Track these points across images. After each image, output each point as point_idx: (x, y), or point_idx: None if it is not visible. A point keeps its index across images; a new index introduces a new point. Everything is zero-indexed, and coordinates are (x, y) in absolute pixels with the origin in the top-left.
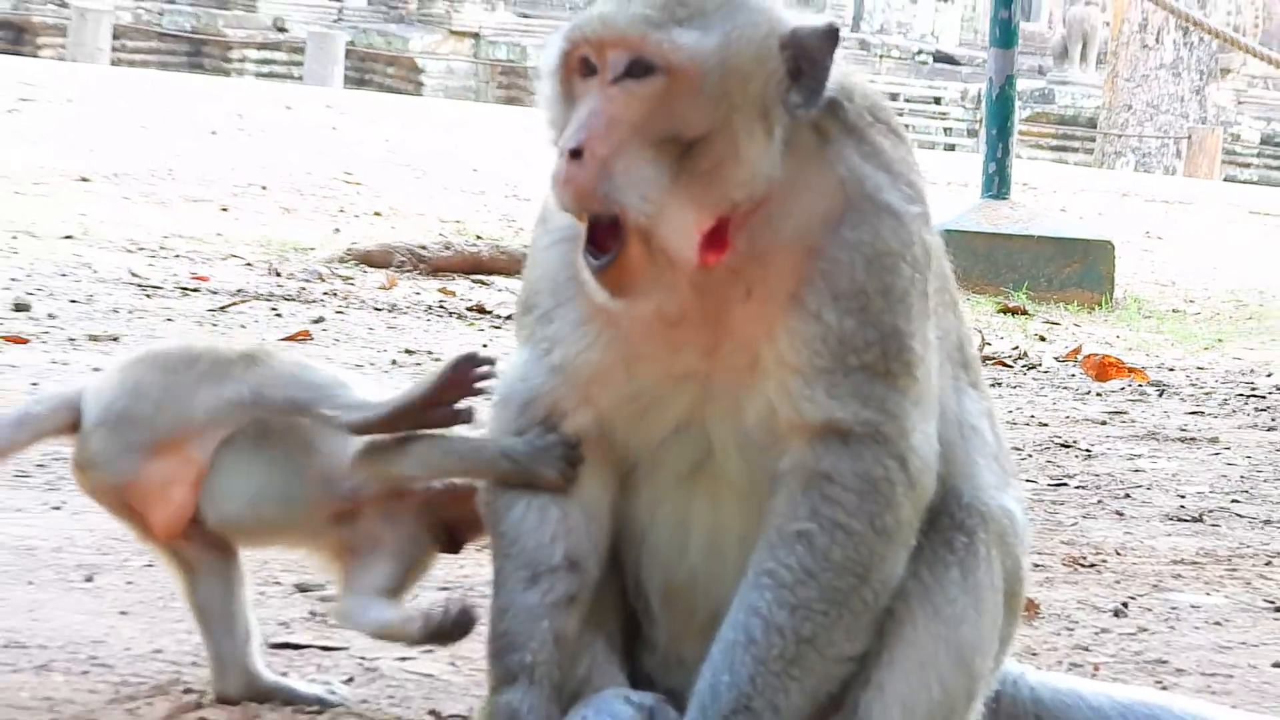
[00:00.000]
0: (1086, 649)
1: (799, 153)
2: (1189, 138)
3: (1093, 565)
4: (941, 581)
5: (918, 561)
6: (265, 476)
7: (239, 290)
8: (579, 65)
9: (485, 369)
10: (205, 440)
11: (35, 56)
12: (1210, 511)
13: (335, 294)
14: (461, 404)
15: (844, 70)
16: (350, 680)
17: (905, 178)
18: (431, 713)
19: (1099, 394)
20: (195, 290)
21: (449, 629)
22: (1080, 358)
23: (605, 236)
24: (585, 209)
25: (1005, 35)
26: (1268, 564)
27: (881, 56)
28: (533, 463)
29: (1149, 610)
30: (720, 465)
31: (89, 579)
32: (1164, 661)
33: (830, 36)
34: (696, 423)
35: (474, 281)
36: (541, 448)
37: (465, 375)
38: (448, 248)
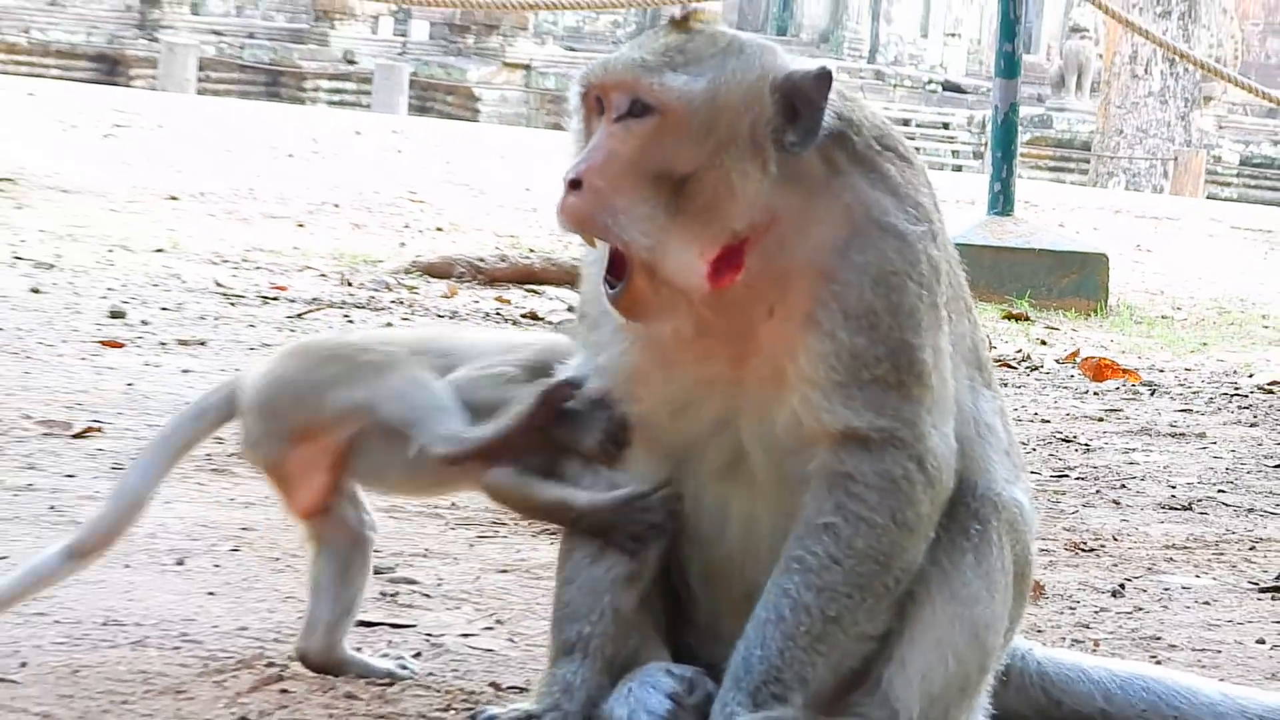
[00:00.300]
0: (1087, 626)
1: (810, 183)
2: (1175, 159)
3: (1092, 550)
4: (958, 566)
5: (936, 548)
6: (398, 457)
7: (314, 299)
8: (594, 105)
9: (573, 392)
10: (338, 432)
11: (128, 86)
12: (1199, 501)
13: (401, 302)
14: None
15: (852, 103)
16: (417, 655)
17: (911, 199)
18: (492, 684)
19: (1096, 393)
20: (274, 299)
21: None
22: (1078, 360)
23: (619, 264)
24: (581, 234)
25: (1009, 66)
26: (1251, 548)
27: (895, 86)
28: (576, 429)
29: (1144, 591)
30: (752, 463)
31: (180, 562)
32: (1158, 638)
33: (822, 80)
34: (730, 424)
35: (527, 291)
36: (586, 417)
37: (556, 400)
38: (503, 260)
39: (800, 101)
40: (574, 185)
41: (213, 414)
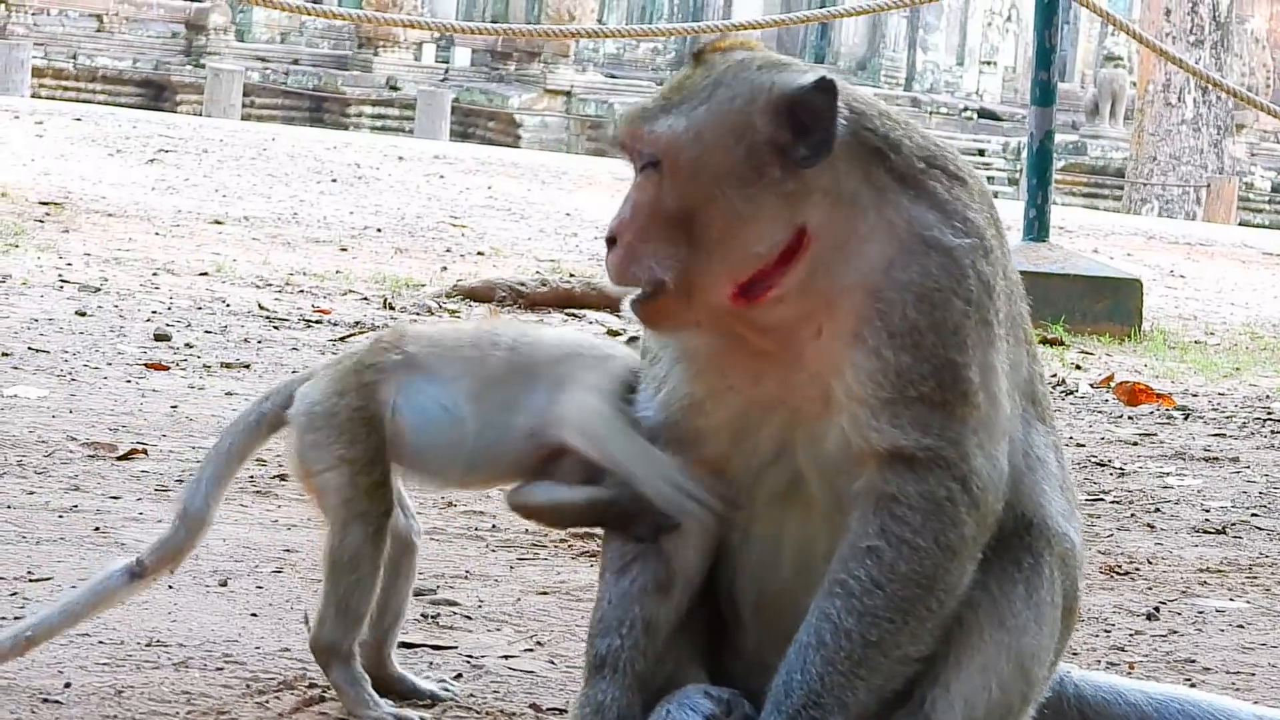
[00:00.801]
0: (1122, 649)
1: (853, 203)
2: (1208, 186)
3: (1127, 573)
4: (1008, 595)
5: (988, 576)
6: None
7: (357, 322)
8: (623, 154)
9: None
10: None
11: (174, 111)
12: (1233, 524)
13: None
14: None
15: (895, 123)
16: (459, 676)
17: (959, 215)
18: (532, 706)
19: (1130, 417)
20: (318, 322)
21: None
22: (1112, 385)
23: None
24: (624, 286)
25: (1044, 95)
26: None
27: (931, 113)
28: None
29: (1178, 614)
30: (808, 487)
31: (223, 584)
32: (1192, 661)
33: (821, 89)
34: (787, 449)
35: (567, 315)
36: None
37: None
38: (544, 284)
39: (805, 115)
40: (610, 242)
41: (269, 421)
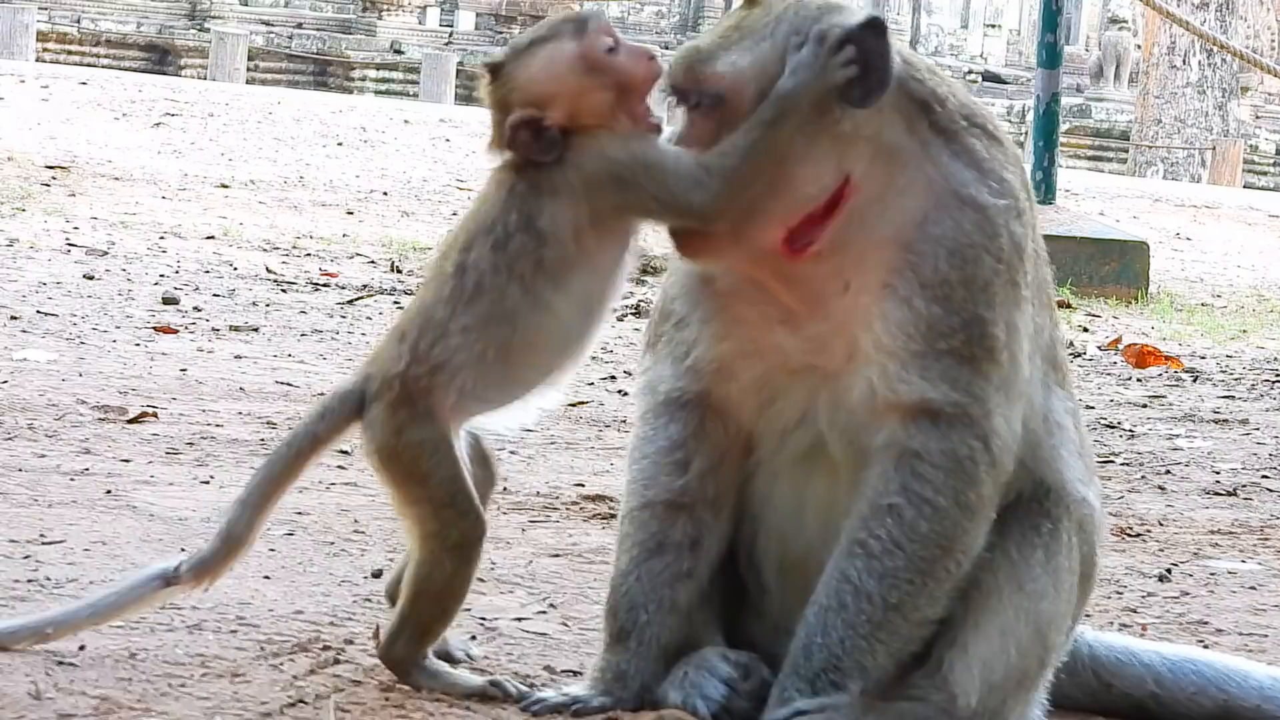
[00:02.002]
0: (1135, 611)
1: (894, 156)
2: (1213, 149)
3: (1138, 535)
4: (1027, 560)
5: (1007, 540)
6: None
7: (364, 285)
8: (673, 95)
9: None
10: None
11: (178, 76)
12: (1243, 486)
13: None
14: None
15: (938, 78)
16: (473, 638)
17: (995, 174)
18: (546, 668)
19: (1139, 380)
20: (325, 285)
21: None
22: (1121, 347)
23: None
24: None
25: (1050, 57)
26: None
27: None
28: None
29: (1190, 576)
30: (831, 447)
31: None
32: (1205, 622)
33: (872, 28)
34: (811, 411)
35: None
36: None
37: None
38: None
39: (863, 54)
40: None
41: (319, 441)
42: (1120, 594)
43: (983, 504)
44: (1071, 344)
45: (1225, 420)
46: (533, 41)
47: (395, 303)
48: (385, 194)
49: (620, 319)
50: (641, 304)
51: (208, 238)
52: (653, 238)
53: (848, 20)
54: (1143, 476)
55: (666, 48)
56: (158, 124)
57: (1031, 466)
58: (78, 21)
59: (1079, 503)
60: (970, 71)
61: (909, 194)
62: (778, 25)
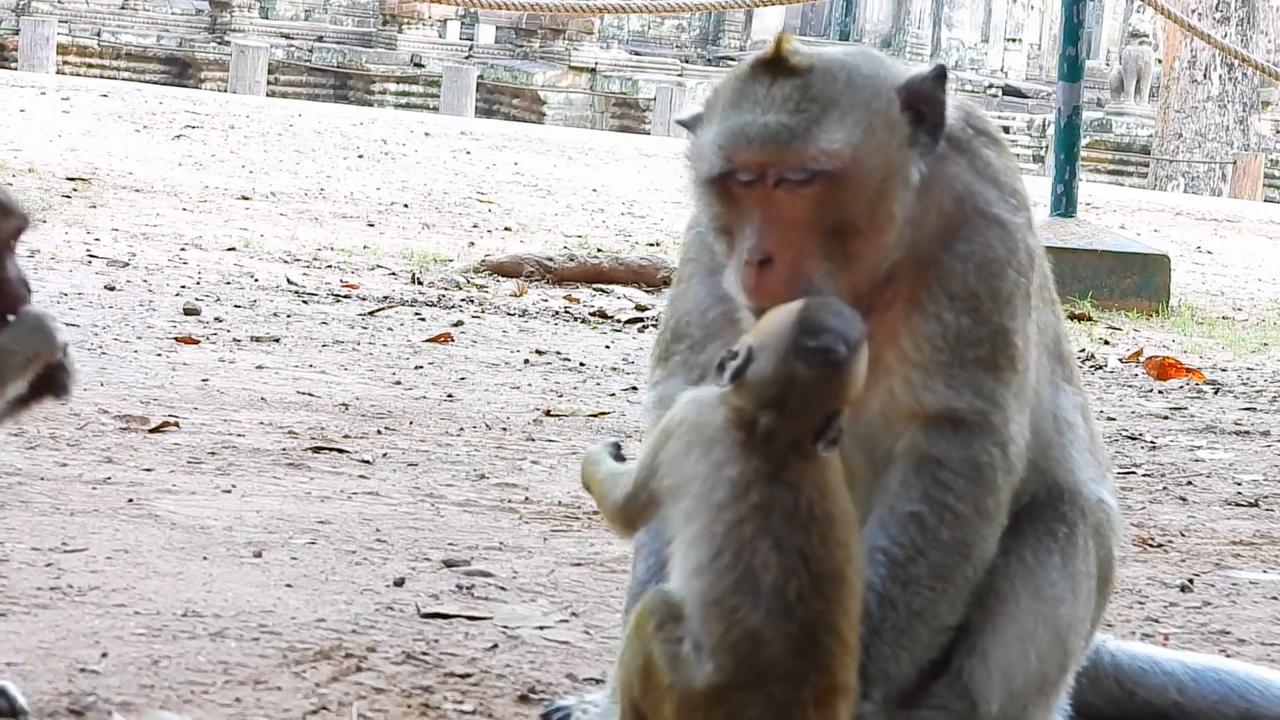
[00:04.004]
0: (1157, 621)
1: (921, 180)
2: (1234, 163)
3: (1160, 545)
4: (1044, 566)
5: (1023, 545)
6: None
7: (385, 297)
8: (734, 176)
9: None
10: None
11: (198, 88)
12: (1265, 497)
13: (472, 301)
14: None
15: (950, 96)
16: (495, 647)
17: (1010, 188)
18: (569, 676)
19: (1160, 392)
20: (346, 297)
21: None
22: (1142, 359)
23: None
24: (774, 306)
25: (1072, 71)
26: None
27: (956, 90)
28: None
29: (1212, 586)
30: (848, 457)
31: (257, 555)
32: (1227, 632)
33: (941, 79)
34: None
35: (595, 290)
36: None
37: None
38: (571, 259)
39: (924, 105)
40: (764, 264)
41: None
42: (1142, 604)
43: (999, 510)
44: (1093, 356)
45: (1247, 432)
46: None
47: (417, 314)
48: (406, 206)
49: (641, 330)
50: (604, 310)
51: (229, 249)
52: (672, 251)
53: (911, 72)
54: (1164, 488)
55: (687, 61)
56: (178, 136)
57: (1044, 468)
58: (98, 34)
59: (1095, 505)
60: (991, 86)
61: (936, 210)
62: (853, 90)
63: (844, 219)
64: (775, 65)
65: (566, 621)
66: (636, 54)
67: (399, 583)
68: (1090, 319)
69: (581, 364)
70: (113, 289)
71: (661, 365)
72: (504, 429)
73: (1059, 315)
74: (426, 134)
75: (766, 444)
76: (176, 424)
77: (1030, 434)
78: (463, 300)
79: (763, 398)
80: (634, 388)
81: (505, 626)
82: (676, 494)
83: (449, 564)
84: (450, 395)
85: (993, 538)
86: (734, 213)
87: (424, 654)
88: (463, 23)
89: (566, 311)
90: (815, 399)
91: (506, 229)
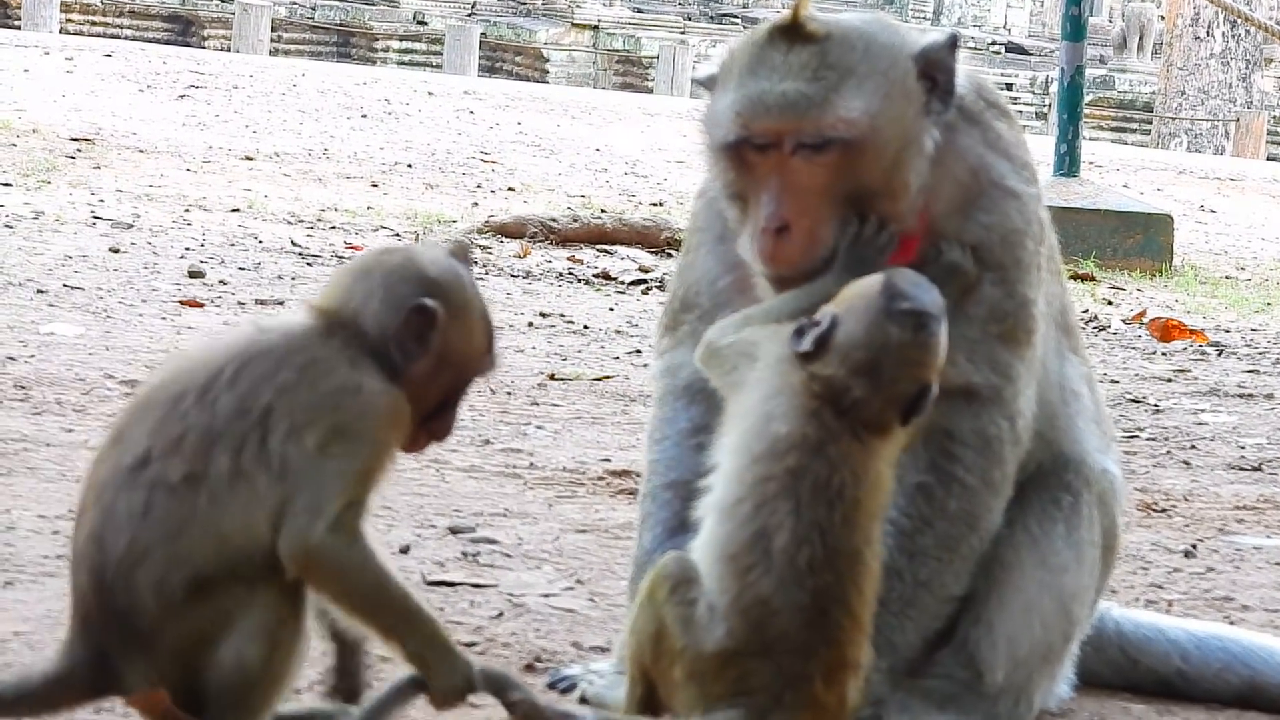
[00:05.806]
0: (1160, 587)
1: (935, 151)
2: (1237, 121)
3: (1163, 510)
4: (1049, 535)
5: (1028, 515)
6: None
7: None
8: (750, 144)
9: None
10: None
11: (201, 47)
12: (1269, 461)
13: (475, 262)
14: None
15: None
16: (500, 615)
17: (1021, 160)
18: (574, 644)
19: (1164, 354)
20: (350, 258)
21: None
22: (1145, 321)
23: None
24: (793, 275)
25: (1075, 29)
26: None
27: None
28: None
29: (1215, 552)
30: None
31: None
32: (1230, 599)
33: (953, 46)
34: None
35: (599, 251)
36: None
37: None
38: (575, 220)
39: (937, 73)
40: (781, 231)
41: None
42: (1146, 570)
43: (1006, 482)
44: (1096, 317)
45: (1250, 395)
46: None
47: None
48: (410, 166)
49: (645, 292)
50: (666, 277)
51: (233, 210)
52: (676, 212)
53: (924, 40)
54: (1168, 451)
55: (689, 19)
56: (182, 96)
57: (1050, 438)
58: None
59: (1099, 474)
60: (994, 43)
61: (952, 182)
62: (870, 59)
63: (860, 186)
64: (792, 32)
65: (572, 589)
66: (639, 11)
67: (404, 550)
68: (1093, 279)
69: (585, 327)
70: (117, 251)
71: (670, 334)
72: (509, 393)
73: (1064, 286)
74: (430, 94)
75: (843, 415)
76: None
77: (1037, 405)
78: None
79: (854, 364)
80: (638, 351)
81: (510, 594)
82: (732, 394)
83: (454, 530)
84: None
85: (999, 509)
86: (749, 180)
87: None
88: None
89: (570, 273)
90: (908, 365)
91: (510, 189)
